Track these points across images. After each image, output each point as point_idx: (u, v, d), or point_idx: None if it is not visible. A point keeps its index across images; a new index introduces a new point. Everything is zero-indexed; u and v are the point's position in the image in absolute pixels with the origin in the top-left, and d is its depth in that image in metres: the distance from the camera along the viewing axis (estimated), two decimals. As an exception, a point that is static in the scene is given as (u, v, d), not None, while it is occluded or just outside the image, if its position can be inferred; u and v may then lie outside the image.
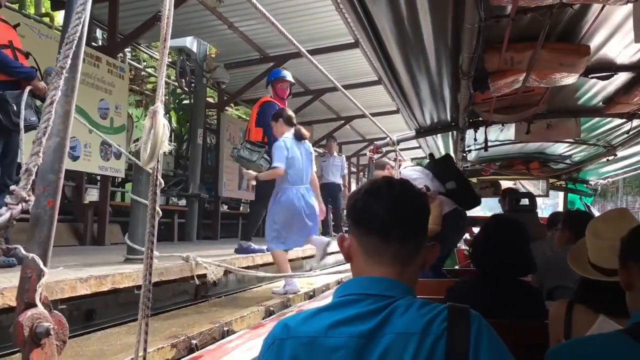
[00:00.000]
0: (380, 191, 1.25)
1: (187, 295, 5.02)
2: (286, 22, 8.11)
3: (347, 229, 1.33)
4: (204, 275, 4.73)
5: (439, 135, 4.47)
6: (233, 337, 3.20)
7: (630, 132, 4.16)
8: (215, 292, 5.36)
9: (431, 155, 4.93)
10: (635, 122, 3.92)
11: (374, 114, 7.11)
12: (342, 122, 15.12)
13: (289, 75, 6.58)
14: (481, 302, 2.46)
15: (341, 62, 9.91)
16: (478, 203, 5.00)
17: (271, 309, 4.57)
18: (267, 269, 7.19)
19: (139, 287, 3.98)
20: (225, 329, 3.71)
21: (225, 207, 12.77)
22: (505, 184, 7.20)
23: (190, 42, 9.67)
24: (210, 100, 12.26)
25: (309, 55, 2.60)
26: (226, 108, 12.30)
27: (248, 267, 5.73)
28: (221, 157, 10.88)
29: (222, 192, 10.83)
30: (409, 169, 4.72)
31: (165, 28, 1.36)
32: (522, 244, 2.51)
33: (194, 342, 3.33)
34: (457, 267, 6.09)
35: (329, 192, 10.84)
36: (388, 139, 4.60)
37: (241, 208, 13.40)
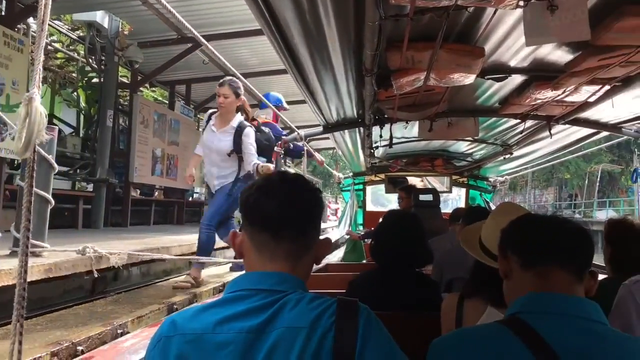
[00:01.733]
0: (271, 188, 1.24)
1: (82, 292, 4.63)
2: (205, 2, 7.87)
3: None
4: (106, 269, 4.42)
5: (346, 131, 4.52)
6: (129, 336, 3.04)
7: (524, 132, 4.41)
8: (116, 286, 4.92)
9: None
10: (529, 123, 4.15)
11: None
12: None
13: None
14: (380, 294, 2.55)
15: (262, 47, 9.71)
16: None
17: (175, 307, 4.23)
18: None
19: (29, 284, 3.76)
20: (120, 331, 3.36)
21: (137, 192, 12.36)
22: (413, 180, 7.44)
23: (100, 17, 9.21)
24: (125, 80, 11.77)
25: (209, 45, 2.53)
26: (140, 89, 11.85)
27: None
28: (133, 140, 10.43)
29: (134, 178, 10.37)
30: None
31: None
32: (417, 236, 2.61)
33: (79, 348, 2.97)
34: (364, 261, 6.22)
35: None
36: (296, 134, 4.60)
37: (155, 194, 13.01)
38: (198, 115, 14.34)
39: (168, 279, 5.81)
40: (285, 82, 10.96)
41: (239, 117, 5.02)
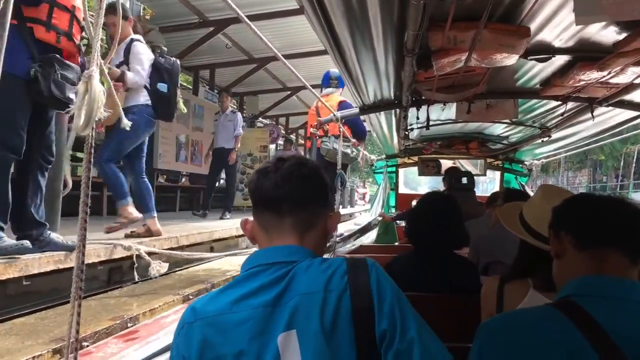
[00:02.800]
0: (268, 169, 1.30)
1: (97, 282, 4.49)
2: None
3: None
4: (123, 258, 4.37)
5: (382, 113, 4.49)
6: (170, 311, 3.12)
7: (565, 115, 4.32)
8: (132, 276, 4.65)
9: None
10: (570, 105, 4.06)
11: (318, 86, 7.03)
12: (289, 92, 14.88)
13: None
14: (418, 277, 2.56)
15: (287, 29, 9.64)
16: None
17: (190, 297, 4.08)
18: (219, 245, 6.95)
19: (27, 277, 3.64)
20: (130, 324, 3.22)
21: (163, 179, 12.41)
22: (446, 163, 7.37)
23: (122, 1, 9.24)
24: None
25: (247, 20, 2.52)
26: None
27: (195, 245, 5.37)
28: (157, 127, 10.36)
29: (158, 164, 10.36)
30: None
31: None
32: (453, 218, 2.62)
33: (85, 344, 2.76)
34: (397, 243, 6.22)
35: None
36: (332, 115, 4.59)
37: (183, 180, 13.06)
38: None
39: (188, 267, 5.71)
40: (310, 64, 10.85)
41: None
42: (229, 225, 7.80)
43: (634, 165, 30.57)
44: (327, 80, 6.60)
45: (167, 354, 1.33)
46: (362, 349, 1.09)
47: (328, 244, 3.02)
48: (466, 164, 7.79)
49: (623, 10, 2.00)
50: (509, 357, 1.10)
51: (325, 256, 1.31)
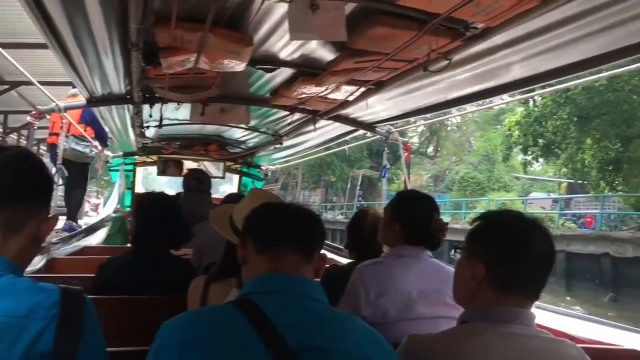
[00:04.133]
0: None
1: None
2: None
3: None
4: None
5: (112, 107, 4.23)
6: None
7: (292, 124, 4.62)
8: None
9: None
10: (297, 115, 4.36)
11: (45, 83, 6.32)
12: (7, 87, 13.04)
13: None
14: (131, 277, 2.49)
15: (7, 14, 8.47)
16: None
17: None
18: None
19: None
20: None
21: None
22: (190, 164, 7.31)
23: None
24: None
25: None
26: None
27: None
28: None
29: None
30: None
31: None
32: (171, 217, 2.62)
33: None
34: (129, 245, 5.92)
35: None
36: (54, 104, 4.16)
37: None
38: None
39: None
40: (31, 58, 9.74)
41: None
42: None
43: (358, 187, 34.75)
44: None
45: None
46: None
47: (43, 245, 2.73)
48: (210, 167, 7.84)
49: (328, 32, 2.20)
50: (184, 354, 1.09)
51: (37, 258, 1.16)
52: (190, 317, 1.20)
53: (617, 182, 19.27)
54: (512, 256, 1.35)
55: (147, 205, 2.71)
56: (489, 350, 1.27)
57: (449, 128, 41.40)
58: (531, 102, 20.21)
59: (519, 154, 27.21)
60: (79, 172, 6.49)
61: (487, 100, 3.80)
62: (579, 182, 26.55)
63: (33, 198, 1.17)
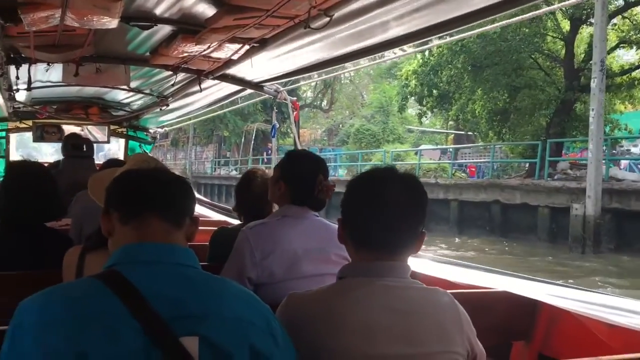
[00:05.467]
0: None
1: None
2: None
3: None
4: None
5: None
6: None
7: (176, 85, 4.45)
8: None
9: None
10: (181, 76, 4.20)
11: None
12: None
13: None
14: (3, 254, 2.32)
15: None
16: None
17: None
18: None
19: None
20: None
21: None
22: (70, 129, 6.87)
23: None
24: None
25: None
26: None
27: None
28: None
29: None
30: None
31: None
32: (42, 190, 2.46)
33: None
34: None
35: None
36: None
37: None
38: None
39: None
40: None
41: None
42: None
43: (252, 142, 34.12)
44: None
45: None
46: None
47: None
48: (94, 131, 7.42)
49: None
50: (41, 335, 1.03)
51: None
52: (49, 294, 1.12)
53: (504, 132, 19.99)
54: (357, 211, 1.40)
55: (16, 178, 2.52)
56: (364, 303, 1.31)
57: (342, 81, 41.19)
58: (427, 51, 20.11)
59: (415, 105, 27.44)
60: None
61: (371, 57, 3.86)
62: (467, 133, 27.87)
63: None
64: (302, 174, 2.15)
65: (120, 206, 1.24)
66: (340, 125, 40.90)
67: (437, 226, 17.57)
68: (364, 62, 4.35)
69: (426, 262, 2.94)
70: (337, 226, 2.17)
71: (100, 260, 1.79)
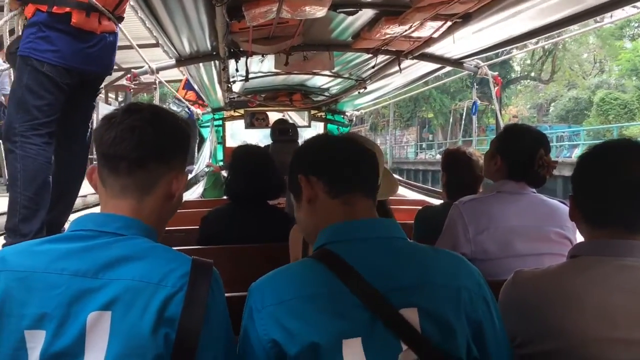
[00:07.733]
0: (113, 119, 1.16)
1: None
2: None
3: None
4: None
5: (200, 65, 4.36)
6: None
7: (376, 67, 4.55)
8: None
9: None
10: (380, 58, 4.28)
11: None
12: None
13: None
14: (231, 228, 2.61)
15: None
16: None
17: None
18: None
19: None
20: None
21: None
22: (275, 115, 7.43)
23: None
24: None
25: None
26: None
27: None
28: None
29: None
30: None
31: None
32: (265, 169, 2.69)
33: None
34: (225, 197, 6.18)
35: None
36: (147, 66, 4.34)
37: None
38: None
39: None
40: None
41: None
42: None
43: (461, 122, 29.96)
44: None
45: None
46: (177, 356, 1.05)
47: None
48: (295, 116, 7.92)
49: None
50: (279, 315, 1.10)
51: None
52: (276, 276, 1.20)
53: None
54: (593, 187, 1.31)
55: (242, 160, 2.78)
56: (603, 283, 1.23)
57: (567, 47, 33.69)
58: None
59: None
60: None
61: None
62: None
63: (162, 157, 1.19)
64: (522, 148, 2.07)
65: (330, 178, 1.26)
66: (556, 99, 34.72)
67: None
68: (574, 28, 3.98)
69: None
70: (557, 202, 2.07)
71: None
